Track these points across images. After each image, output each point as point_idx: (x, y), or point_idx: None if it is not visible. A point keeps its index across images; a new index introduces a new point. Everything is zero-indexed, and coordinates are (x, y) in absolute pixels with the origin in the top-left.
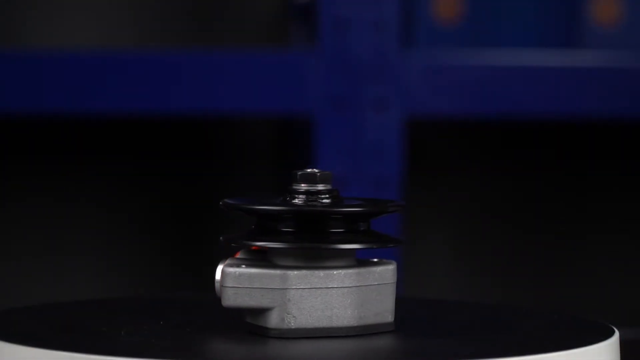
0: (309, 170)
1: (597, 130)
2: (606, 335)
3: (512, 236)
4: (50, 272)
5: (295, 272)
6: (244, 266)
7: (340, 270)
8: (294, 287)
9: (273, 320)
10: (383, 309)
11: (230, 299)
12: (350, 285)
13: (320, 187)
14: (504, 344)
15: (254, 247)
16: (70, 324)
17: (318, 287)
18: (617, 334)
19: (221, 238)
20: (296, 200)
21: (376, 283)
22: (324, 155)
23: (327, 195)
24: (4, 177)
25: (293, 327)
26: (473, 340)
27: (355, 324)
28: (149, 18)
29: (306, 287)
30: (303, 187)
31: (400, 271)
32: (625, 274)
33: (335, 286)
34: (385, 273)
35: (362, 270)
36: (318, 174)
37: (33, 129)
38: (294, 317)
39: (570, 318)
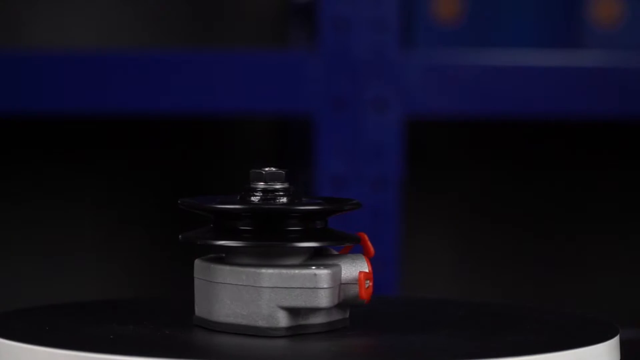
0: (267, 169)
1: (596, 130)
2: (609, 334)
3: (512, 236)
4: (50, 272)
5: (198, 262)
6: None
7: (222, 266)
8: (196, 277)
9: None
10: (252, 312)
11: None
12: (221, 282)
13: (278, 185)
14: (505, 344)
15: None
16: (74, 324)
17: (205, 279)
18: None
19: (180, 237)
20: (251, 199)
21: (242, 284)
22: (323, 155)
23: (283, 194)
24: (4, 176)
25: (196, 316)
26: (473, 340)
27: (225, 321)
28: (149, 18)
29: (201, 278)
30: (260, 185)
31: (399, 271)
32: (625, 274)
33: (212, 280)
34: (256, 276)
35: (237, 269)
36: (278, 173)
37: (33, 128)
38: (196, 306)
39: (571, 317)
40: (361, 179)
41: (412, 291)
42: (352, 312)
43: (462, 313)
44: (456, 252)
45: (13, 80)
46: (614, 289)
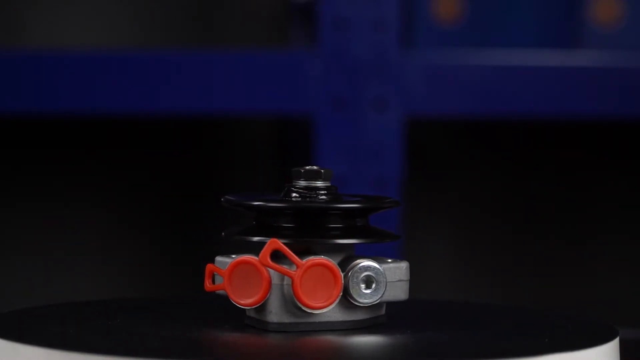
0: (308, 167)
1: (597, 130)
2: (608, 336)
3: (512, 236)
4: (50, 272)
5: None
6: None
7: None
8: None
9: None
10: None
11: None
12: None
13: (319, 183)
14: (505, 345)
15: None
16: (75, 324)
17: None
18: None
19: (223, 233)
20: (294, 197)
21: None
22: (324, 155)
23: (325, 192)
24: (3, 176)
25: None
26: (472, 341)
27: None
28: (149, 18)
29: None
30: (302, 183)
31: None
32: (625, 274)
33: None
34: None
35: None
36: (320, 171)
37: (33, 128)
38: None
39: (571, 318)
40: (361, 179)
41: (412, 291)
42: None
43: (462, 313)
44: (456, 252)
45: (13, 80)
46: (615, 290)
